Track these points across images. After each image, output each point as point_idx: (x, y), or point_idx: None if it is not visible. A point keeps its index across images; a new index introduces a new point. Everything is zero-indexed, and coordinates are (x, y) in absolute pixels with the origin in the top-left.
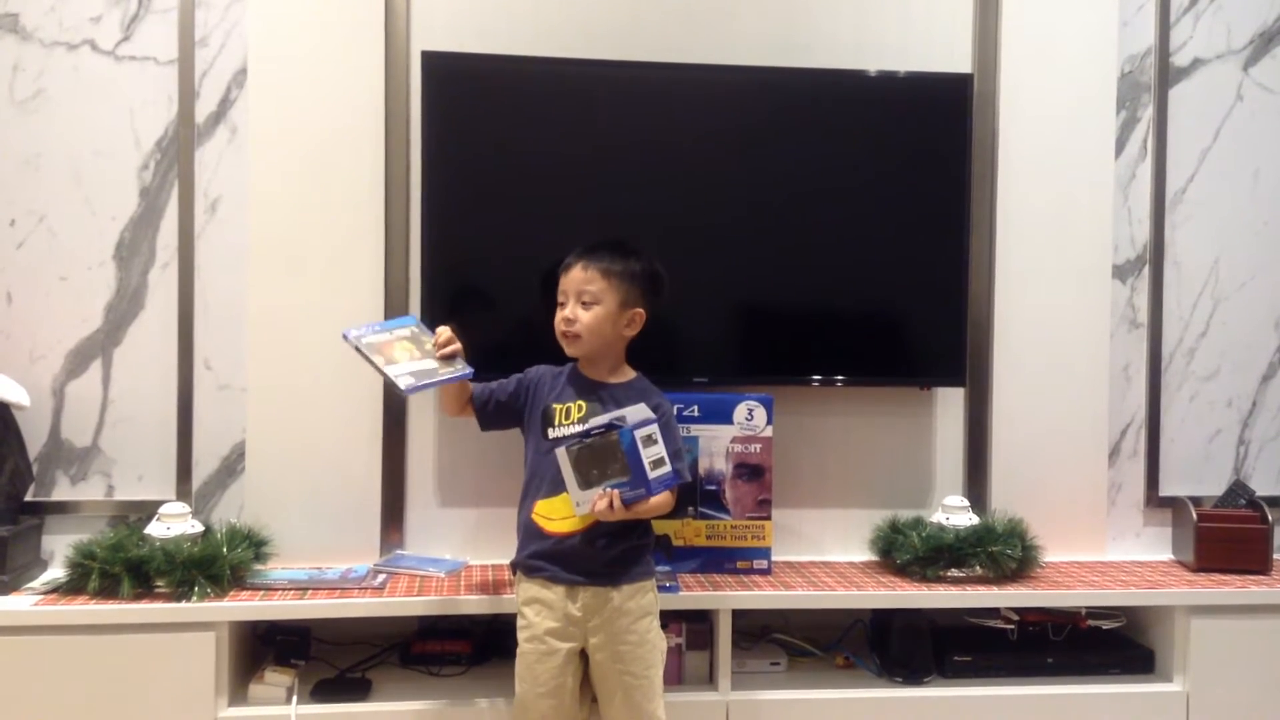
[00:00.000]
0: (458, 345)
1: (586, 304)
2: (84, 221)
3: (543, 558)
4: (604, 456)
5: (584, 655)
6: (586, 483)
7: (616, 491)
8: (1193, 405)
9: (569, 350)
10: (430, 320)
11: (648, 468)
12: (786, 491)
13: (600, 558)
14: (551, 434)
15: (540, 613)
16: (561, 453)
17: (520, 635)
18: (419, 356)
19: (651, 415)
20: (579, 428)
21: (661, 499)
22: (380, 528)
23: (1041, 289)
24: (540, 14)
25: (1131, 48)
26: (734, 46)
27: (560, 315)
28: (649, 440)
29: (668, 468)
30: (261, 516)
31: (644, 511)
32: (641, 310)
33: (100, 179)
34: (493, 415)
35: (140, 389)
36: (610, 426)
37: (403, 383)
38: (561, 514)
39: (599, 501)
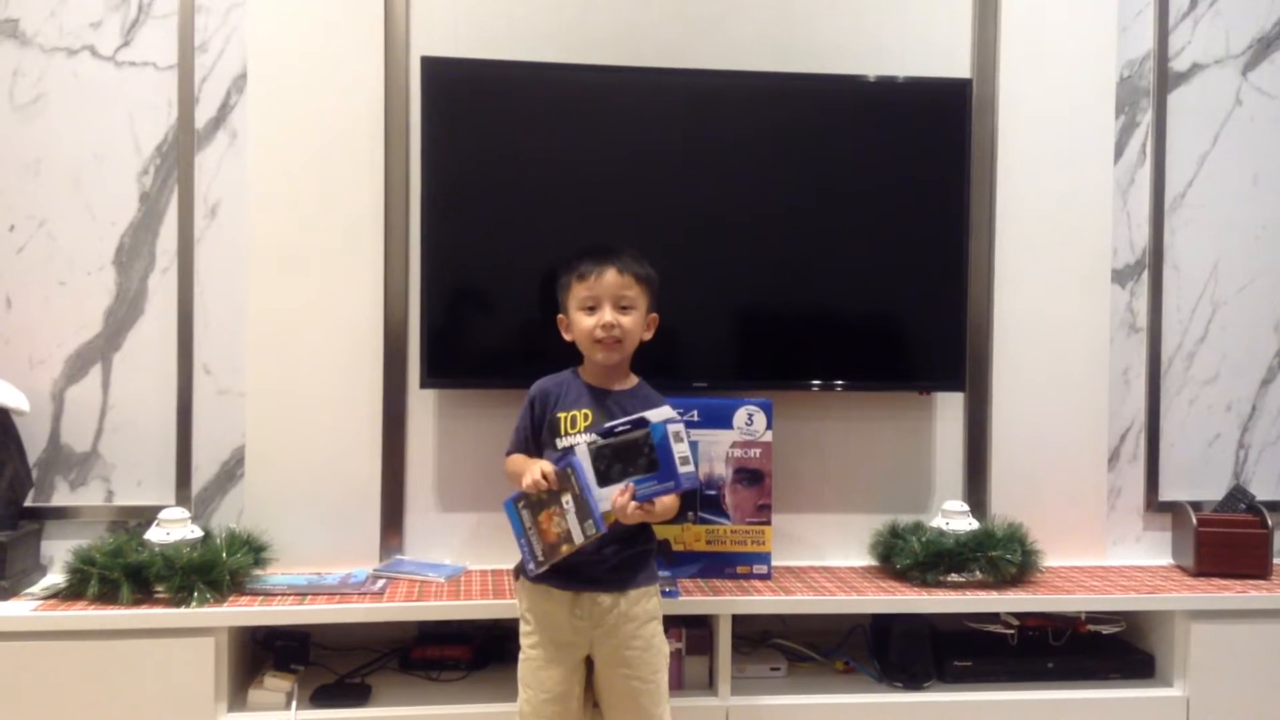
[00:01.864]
0: (547, 469)
1: (624, 309)
2: (84, 226)
3: None
4: (628, 453)
5: (587, 661)
6: (606, 480)
7: (633, 485)
8: (1192, 409)
9: (606, 357)
10: (430, 324)
11: (677, 463)
12: (786, 496)
13: (605, 564)
14: (560, 444)
15: (545, 619)
16: (581, 448)
17: (524, 642)
18: (559, 510)
19: (676, 415)
20: (585, 436)
21: (671, 502)
22: (380, 533)
23: (1041, 293)
24: (539, 19)
25: (1130, 52)
26: (733, 52)
27: (597, 321)
28: (677, 437)
29: (692, 467)
30: (261, 522)
31: (658, 514)
32: (656, 315)
33: (100, 184)
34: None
35: (140, 394)
36: (637, 423)
37: (590, 532)
38: None
39: (619, 497)
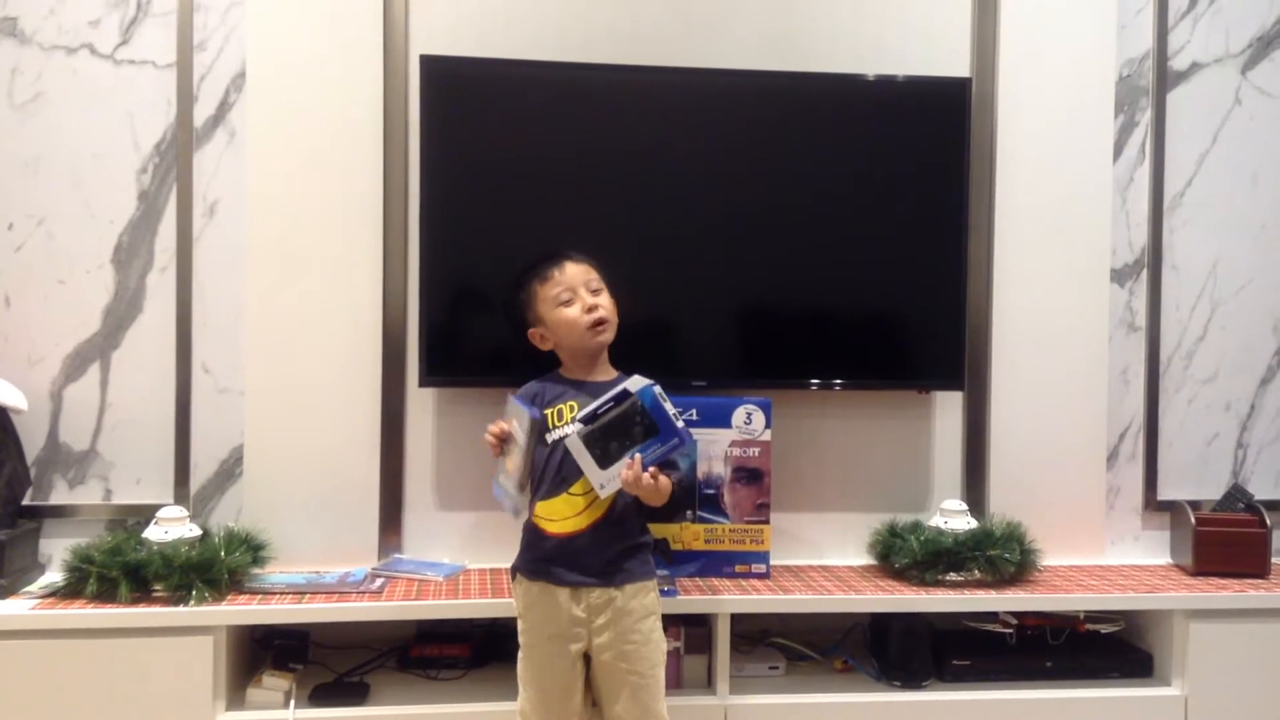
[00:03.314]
0: (500, 430)
1: (596, 291)
2: (82, 225)
3: (545, 560)
4: (622, 428)
5: (585, 658)
6: (607, 460)
7: (639, 456)
8: (1191, 409)
9: (599, 339)
10: (429, 322)
11: (674, 420)
12: (785, 495)
13: (602, 557)
14: (549, 438)
15: (544, 615)
16: (574, 440)
17: (523, 639)
18: (512, 444)
19: (647, 380)
20: (571, 427)
21: (666, 483)
22: (378, 531)
23: (1040, 292)
24: (538, 18)
25: (1129, 51)
26: (733, 50)
27: (582, 307)
28: (663, 397)
29: (683, 422)
30: (259, 520)
31: (662, 485)
32: (614, 300)
33: (99, 182)
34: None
35: (138, 392)
36: (621, 398)
37: (525, 425)
38: (562, 515)
39: (627, 471)
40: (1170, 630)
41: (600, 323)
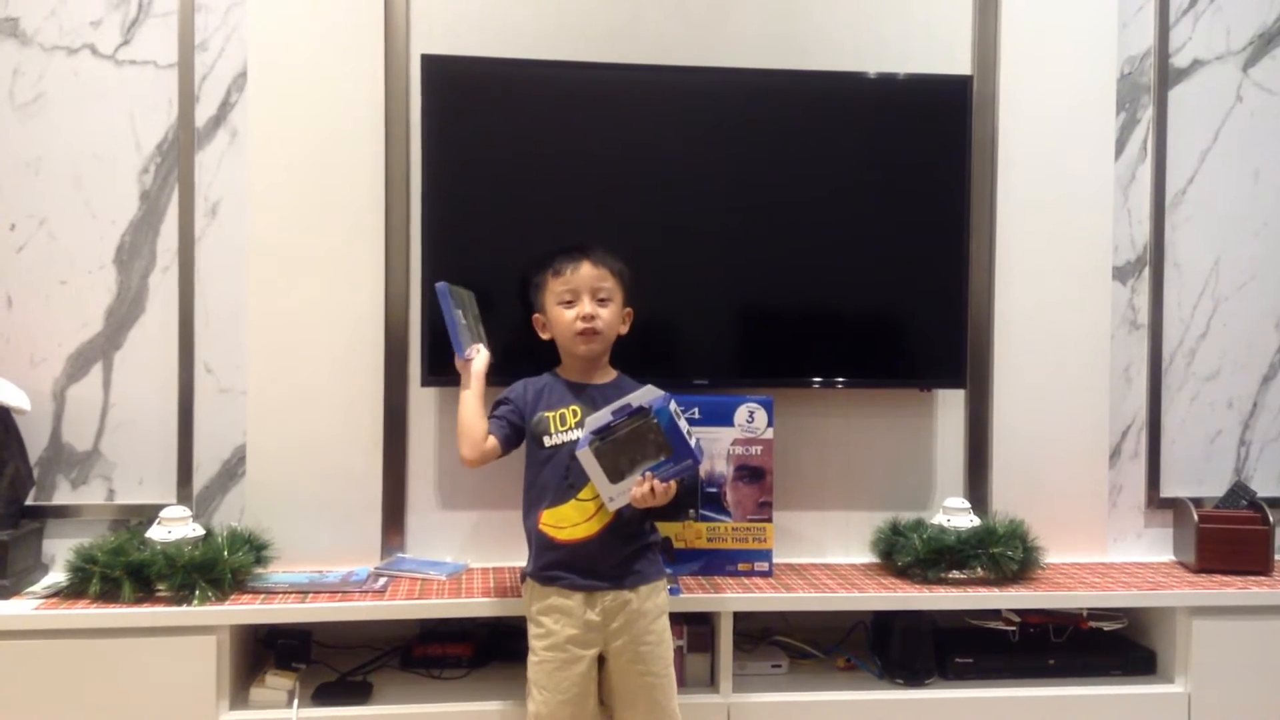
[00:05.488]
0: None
1: (602, 301)
2: (84, 225)
3: (558, 566)
4: (635, 443)
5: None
6: (618, 475)
7: (651, 474)
8: (1193, 406)
9: (584, 349)
10: (431, 321)
11: (688, 439)
12: (787, 494)
13: (613, 560)
14: (549, 441)
15: (560, 621)
16: (585, 454)
17: (539, 644)
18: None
19: (662, 393)
20: (578, 432)
21: (671, 485)
22: (381, 531)
23: (1042, 290)
24: (539, 17)
25: (1131, 49)
26: (734, 49)
27: (577, 313)
28: (678, 414)
29: (695, 437)
30: (262, 520)
31: (668, 495)
32: (632, 310)
33: (100, 183)
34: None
35: (141, 393)
36: (635, 413)
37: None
38: (571, 521)
39: (638, 489)
40: (1173, 628)
41: (588, 333)
